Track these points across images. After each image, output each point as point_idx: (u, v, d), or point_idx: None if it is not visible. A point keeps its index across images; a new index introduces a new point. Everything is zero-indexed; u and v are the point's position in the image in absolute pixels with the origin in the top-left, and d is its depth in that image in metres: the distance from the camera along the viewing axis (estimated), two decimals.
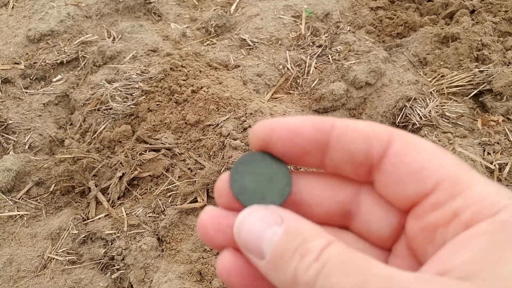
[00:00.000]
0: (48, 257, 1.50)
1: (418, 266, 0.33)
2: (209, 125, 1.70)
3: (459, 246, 0.29)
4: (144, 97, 1.85)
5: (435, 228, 0.31)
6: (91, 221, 1.57)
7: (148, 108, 1.82)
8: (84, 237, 1.52)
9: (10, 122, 1.87)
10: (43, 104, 1.98)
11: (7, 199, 1.65)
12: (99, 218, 1.57)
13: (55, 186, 1.68)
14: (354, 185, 0.37)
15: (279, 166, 0.36)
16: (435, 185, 0.31)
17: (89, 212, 1.60)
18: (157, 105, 1.82)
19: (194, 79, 1.86)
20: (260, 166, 0.37)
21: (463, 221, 0.29)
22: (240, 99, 1.77)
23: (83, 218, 1.59)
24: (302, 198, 0.37)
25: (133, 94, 1.87)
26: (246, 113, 1.70)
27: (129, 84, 1.91)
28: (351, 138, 0.34)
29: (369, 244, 0.37)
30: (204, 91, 1.77)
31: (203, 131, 1.71)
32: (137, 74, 1.94)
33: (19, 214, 1.62)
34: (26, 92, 2.03)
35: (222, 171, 1.56)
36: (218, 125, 1.69)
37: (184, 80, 1.86)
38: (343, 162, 0.35)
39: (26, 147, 1.82)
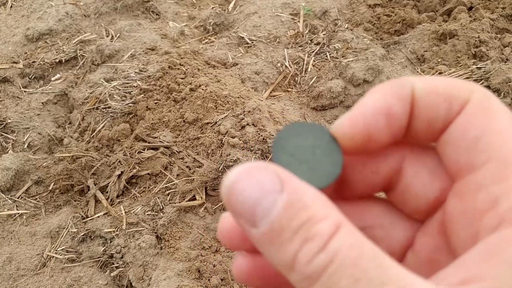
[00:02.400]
0: (48, 255, 1.51)
1: (445, 248, 0.32)
2: (207, 123, 1.71)
3: (489, 253, 0.25)
4: (142, 95, 1.85)
5: (473, 214, 0.28)
6: (90, 220, 1.58)
7: (147, 107, 1.82)
8: (83, 235, 1.53)
9: (9, 121, 1.87)
10: (42, 103, 1.98)
11: (7, 198, 1.65)
12: (98, 217, 1.58)
13: (54, 184, 1.69)
14: (397, 155, 0.34)
15: (330, 141, 0.32)
16: (484, 162, 0.28)
17: (88, 210, 1.61)
18: (156, 103, 1.82)
19: (192, 77, 1.86)
20: (308, 138, 0.33)
21: (499, 213, 0.26)
22: (238, 97, 1.78)
23: (82, 216, 1.59)
24: (346, 174, 0.34)
25: (131, 93, 1.88)
26: (244, 111, 1.70)
27: (128, 83, 1.91)
28: (433, 103, 0.30)
29: (400, 215, 0.35)
30: (202, 89, 1.77)
31: (202, 129, 1.71)
32: (135, 72, 1.95)
33: (18, 213, 1.62)
34: (25, 91, 2.03)
35: (220, 169, 1.57)
36: (216, 123, 1.69)
37: (182, 79, 1.86)
38: (420, 132, 0.32)
39: (25, 146, 1.82)
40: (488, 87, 1.86)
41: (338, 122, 0.32)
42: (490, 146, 0.28)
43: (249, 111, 1.70)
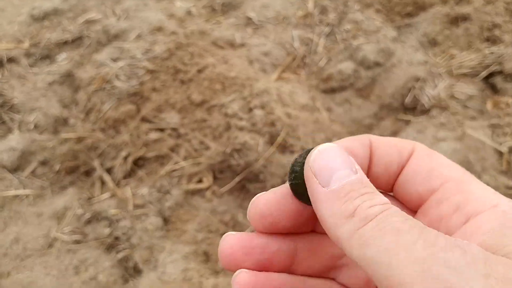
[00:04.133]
0: (54, 236, 1.50)
1: None
2: (215, 105, 1.69)
3: (470, 231, 0.31)
4: (149, 76, 1.83)
5: (439, 220, 0.34)
6: (96, 201, 1.57)
7: (153, 88, 1.80)
8: (89, 216, 1.52)
9: (15, 101, 1.86)
10: (48, 83, 1.97)
11: (14, 178, 1.65)
12: (104, 198, 1.57)
13: (60, 165, 1.68)
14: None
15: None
16: (441, 183, 0.35)
17: (94, 191, 1.60)
18: (162, 84, 1.80)
19: (200, 58, 1.84)
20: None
21: (464, 212, 0.32)
22: (246, 79, 1.75)
23: (88, 197, 1.59)
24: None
25: (138, 74, 1.86)
26: (252, 93, 1.68)
27: (134, 64, 1.89)
28: (387, 151, 0.38)
29: None
30: (210, 70, 1.75)
31: (209, 111, 1.69)
32: (142, 53, 1.92)
33: (25, 193, 1.62)
34: (30, 71, 2.01)
35: (227, 152, 1.55)
36: (223, 105, 1.67)
37: (189, 59, 1.83)
38: (380, 175, 0.38)
39: (31, 126, 1.81)
40: (501, 72, 1.82)
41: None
42: (443, 174, 0.35)
43: (257, 94, 1.67)
